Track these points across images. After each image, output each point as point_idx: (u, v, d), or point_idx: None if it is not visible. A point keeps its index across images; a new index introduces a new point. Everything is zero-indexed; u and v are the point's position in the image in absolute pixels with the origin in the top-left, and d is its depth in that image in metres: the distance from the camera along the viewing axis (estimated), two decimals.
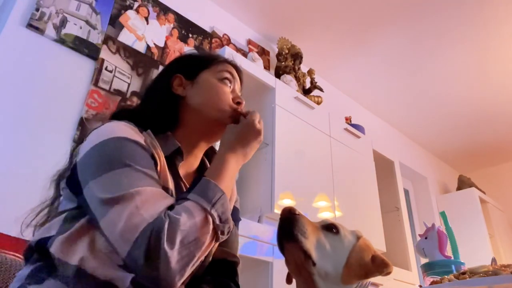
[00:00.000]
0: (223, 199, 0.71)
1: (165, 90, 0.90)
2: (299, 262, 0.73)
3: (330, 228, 0.79)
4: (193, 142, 0.88)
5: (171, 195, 0.76)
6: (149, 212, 0.63)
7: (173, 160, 0.82)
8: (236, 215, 1.00)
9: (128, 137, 0.72)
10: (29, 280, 0.67)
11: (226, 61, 0.97)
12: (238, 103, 0.91)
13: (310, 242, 0.72)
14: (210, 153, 0.99)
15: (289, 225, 0.73)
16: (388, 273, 0.75)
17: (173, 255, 0.61)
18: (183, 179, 0.84)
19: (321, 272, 0.71)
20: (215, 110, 0.87)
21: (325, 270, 0.72)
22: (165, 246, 0.60)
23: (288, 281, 0.81)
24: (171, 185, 0.77)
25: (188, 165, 0.89)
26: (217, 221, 0.68)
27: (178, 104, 0.89)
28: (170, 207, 0.67)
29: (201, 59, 0.97)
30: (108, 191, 0.65)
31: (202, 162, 0.94)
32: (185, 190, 0.82)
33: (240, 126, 0.83)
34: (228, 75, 0.93)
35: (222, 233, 0.69)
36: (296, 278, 0.77)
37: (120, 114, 0.87)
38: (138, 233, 0.61)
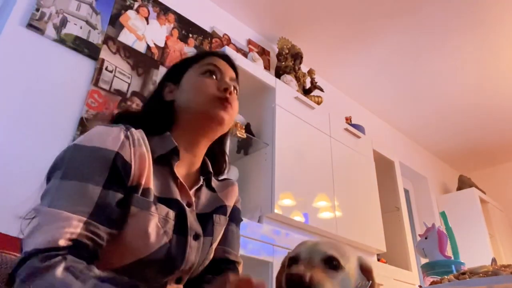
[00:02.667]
0: None
1: (157, 99, 0.92)
2: None
3: (330, 260, 0.72)
4: (191, 140, 0.88)
5: (151, 194, 0.75)
6: (38, 240, 0.61)
7: (169, 159, 0.82)
8: (237, 215, 1.00)
9: (92, 146, 0.71)
10: None
11: (208, 54, 0.96)
12: (225, 90, 0.88)
13: None
14: (217, 153, 0.98)
15: None
16: None
17: None
18: (180, 178, 0.83)
19: None
20: (200, 104, 0.86)
21: None
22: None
23: None
24: (152, 184, 0.77)
25: (189, 164, 0.89)
26: None
27: (171, 109, 0.89)
28: (72, 245, 0.63)
29: (184, 61, 0.97)
30: (40, 199, 0.69)
31: (204, 162, 0.93)
32: (177, 188, 0.81)
33: None
34: (209, 67, 0.91)
35: None
36: None
37: (121, 117, 0.89)
38: (20, 258, 0.61)
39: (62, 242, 0.61)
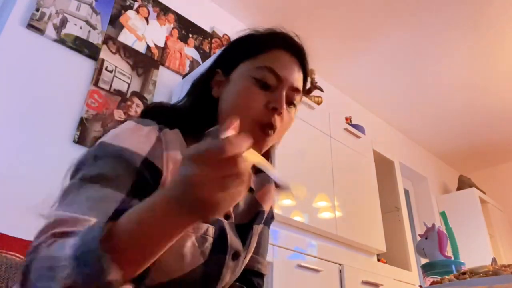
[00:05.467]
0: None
1: (202, 89, 0.77)
2: None
3: None
4: None
5: None
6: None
7: None
8: (270, 217, 0.90)
9: (119, 146, 0.62)
10: None
11: (273, 45, 0.74)
12: (274, 110, 0.69)
13: None
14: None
15: None
16: None
17: None
18: None
19: None
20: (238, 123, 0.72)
21: None
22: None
23: None
24: None
25: None
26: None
27: (215, 105, 0.74)
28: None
29: (241, 47, 0.77)
30: (58, 198, 0.60)
31: None
32: None
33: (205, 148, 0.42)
34: (265, 74, 0.70)
35: None
36: None
37: (152, 111, 0.77)
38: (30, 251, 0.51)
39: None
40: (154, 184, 0.62)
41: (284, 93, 0.71)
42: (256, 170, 0.81)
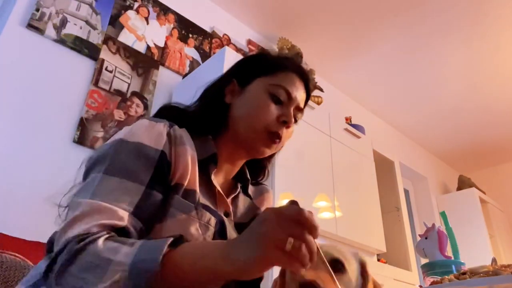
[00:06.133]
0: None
1: (216, 95, 0.84)
2: None
3: (336, 264, 0.72)
4: (233, 152, 0.82)
5: (195, 197, 0.71)
6: (78, 230, 0.57)
7: (207, 165, 0.77)
8: None
9: (137, 142, 0.68)
10: (40, 280, 0.63)
11: (287, 67, 0.85)
12: (284, 123, 0.79)
13: None
14: (258, 164, 0.92)
15: None
16: None
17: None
18: (218, 186, 0.78)
19: None
20: (250, 130, 0.79)
21: None
22: (53, 276, 0.55)
23: None
24: (198, 187, 0.72)
25: (226, 172, 0.84)
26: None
27: (226, 111, 0.82)
28: (117, 230, 0.59)
29: (258, 64, 0.87)
30: (76, 191, 0.66)
31: (242, 170, 0.88)
32: (215, 197, 0.77)
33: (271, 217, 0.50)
34: (280, 91, 0.81)
35: None
36: None
37: (165, 110, 0.84)
38: (58, 248, 0.56)
39: (106, 230, 0.58)
40: (168, 175, 0.69)
41: (292, 110, 0.82)
42: (254, 183, 0.94)
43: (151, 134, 0.70)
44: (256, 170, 0.93)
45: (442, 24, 2.93)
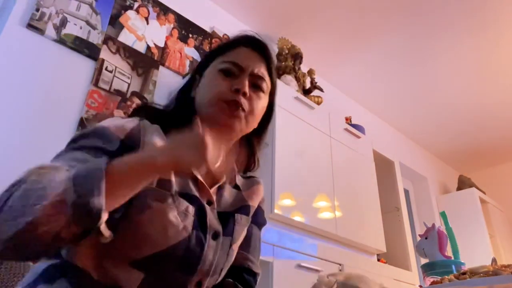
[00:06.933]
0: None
1: (184, 93, 0.89)
2: None
3: None
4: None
5: (171, 186, 0.72)
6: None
7: None
8: (261, 218, 0.95)
9: (101, 126, 0.73)
10: (40, 278, 0.66)
11: (235, 44, 0.87)
12: (236, 91, 0.80)
13: None
14: (247, 151, 0.93)
15: None
16: None
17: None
18: (199, 176, 0.79)
19: None
20: (207, 106, 0.81)
21: None
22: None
23: None
24: (173, 177, 0.73)
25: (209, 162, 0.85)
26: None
27: (192, 103, 0.86)
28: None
29: (211, 52, 0.90)
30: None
31: (230, 159, 0.89)
32: (196, 186, 0.78)
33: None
34: (227, 65, 0.83)
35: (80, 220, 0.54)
36: None
37: (139, 110, 0.89)
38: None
39: None
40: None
41: (246, 78, 0.82)
42: (246, 176, 0.95)
43: (116, 123, 0.74)
44: (246, 156, 0.93)
45: (443, 24, 2.92)
